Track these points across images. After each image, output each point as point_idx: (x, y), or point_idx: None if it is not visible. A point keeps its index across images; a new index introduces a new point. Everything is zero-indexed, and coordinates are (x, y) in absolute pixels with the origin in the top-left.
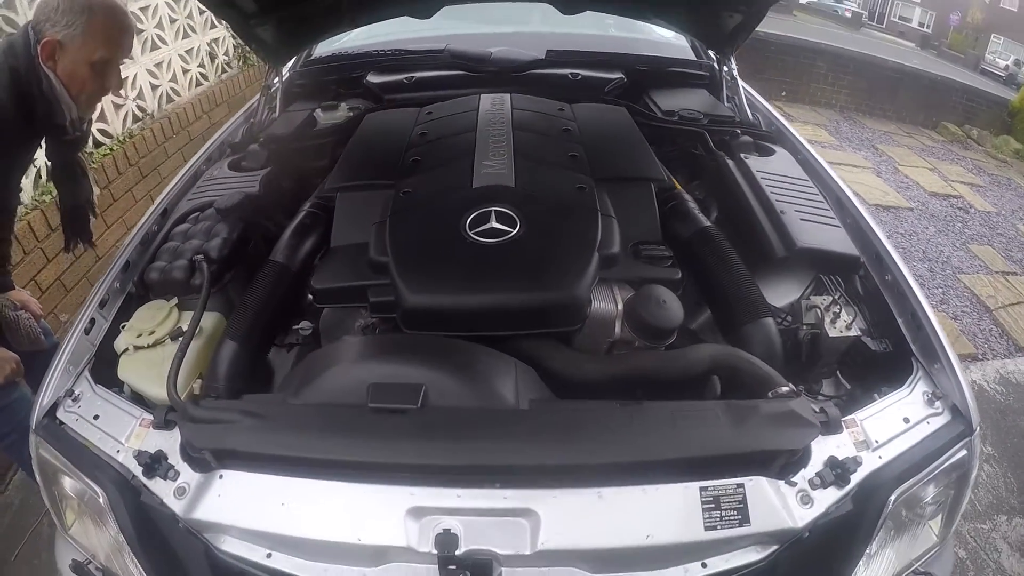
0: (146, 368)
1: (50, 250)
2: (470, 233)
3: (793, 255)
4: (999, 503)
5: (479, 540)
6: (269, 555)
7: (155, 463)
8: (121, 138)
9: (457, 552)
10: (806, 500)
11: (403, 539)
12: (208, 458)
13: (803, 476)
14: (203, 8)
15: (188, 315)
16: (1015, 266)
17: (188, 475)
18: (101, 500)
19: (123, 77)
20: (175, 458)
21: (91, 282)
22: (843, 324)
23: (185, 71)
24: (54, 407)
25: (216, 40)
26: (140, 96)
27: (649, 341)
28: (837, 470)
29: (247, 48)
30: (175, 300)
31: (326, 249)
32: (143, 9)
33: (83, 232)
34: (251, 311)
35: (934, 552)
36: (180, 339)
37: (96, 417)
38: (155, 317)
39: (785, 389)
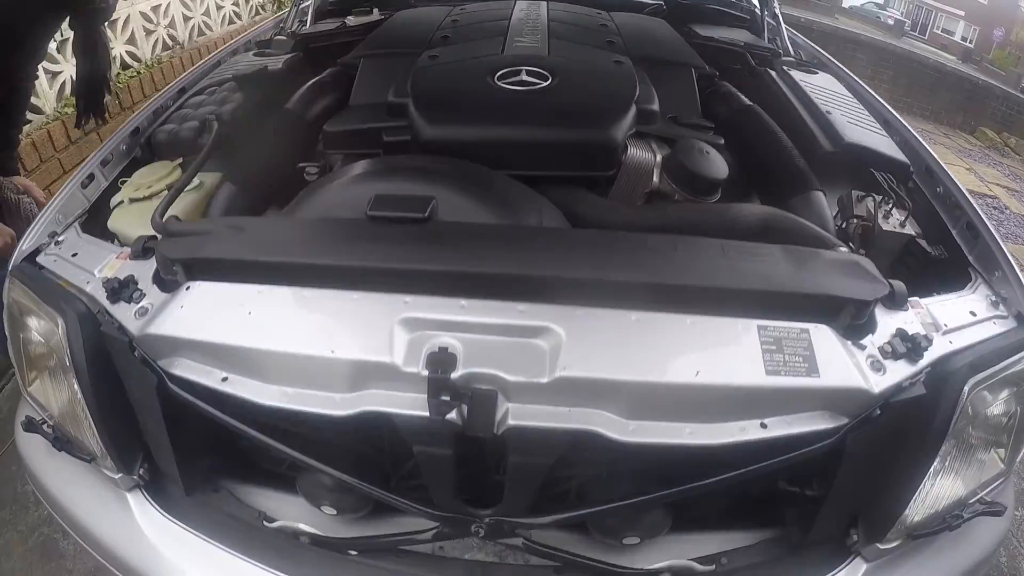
0: (138, 220)
1: (67, 161)
2: (499, 83)
3: (841, 149)
4: None
5: (483, 362)
6: (225, 379)
7: (122, 288)
8: (149, 63)
9: (453, 375)
10: (878, 367)
11: (387, 354)
12: (179, 274)
13: (872, 342)
14: None
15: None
16: None
17: (154, 296)
18: (59, 331)
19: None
20: (145, 283)
21: None
22: (896, 222)
23: (219, 7)
24: (36, 252)
25: None
26: (172, 25)
27: (691, 194)
28: (908, 344)
29: None
30: (180, 160)
31: (344, 109)
32: None
33: (97, 108)
34: (254, 154)
35: (1001, 482)
36: (175, 186)
37: (75, 255)
38: (156, 173)
39: (844, 249)
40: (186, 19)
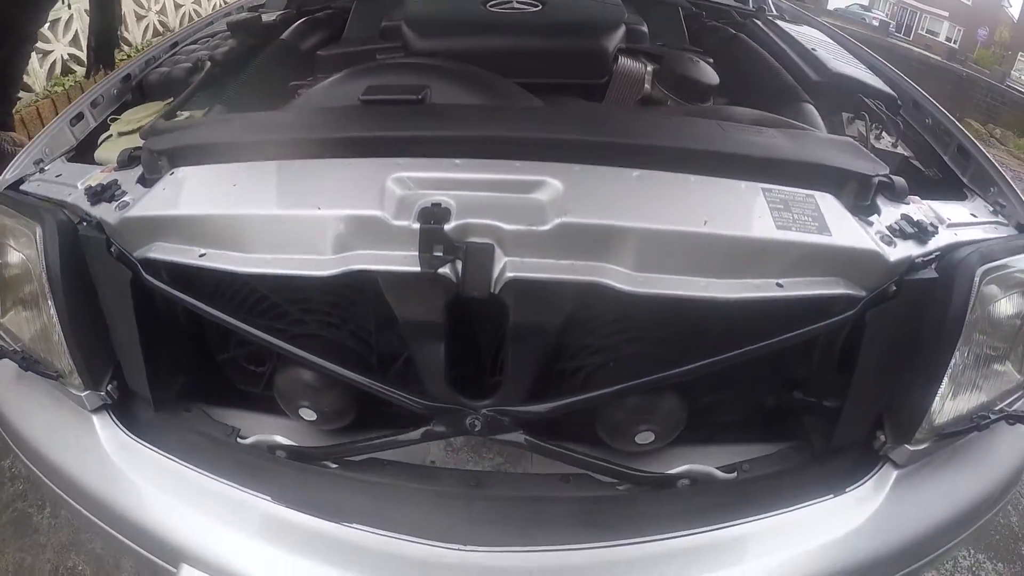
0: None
1: None
2: (490, 9)
3: (827, 79)
4: None
5: (478, 214)
6: (203, 255)
7: (104, 190)
8: (139, 47)
9: (446, 227)
10: (888, 240)
11: (376, 207)
12: (164, 168)
13: (878, 220)
14: None
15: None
16: None
17: (135, 192)
18: (36, 239)
19: None
20: (129, 184)
21: None
22: (888, 143)
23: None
24: (19, 181)
25: None
26: (163, 12)
27: (683, 99)
28: (914, 228)
29: None
30: (171, 100)
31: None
32: None
33: (108, 59)
34: (246, 80)
35: (1021, 394)
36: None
37: (58, 176)
38: (146, 111)
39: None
40: (177, 7)
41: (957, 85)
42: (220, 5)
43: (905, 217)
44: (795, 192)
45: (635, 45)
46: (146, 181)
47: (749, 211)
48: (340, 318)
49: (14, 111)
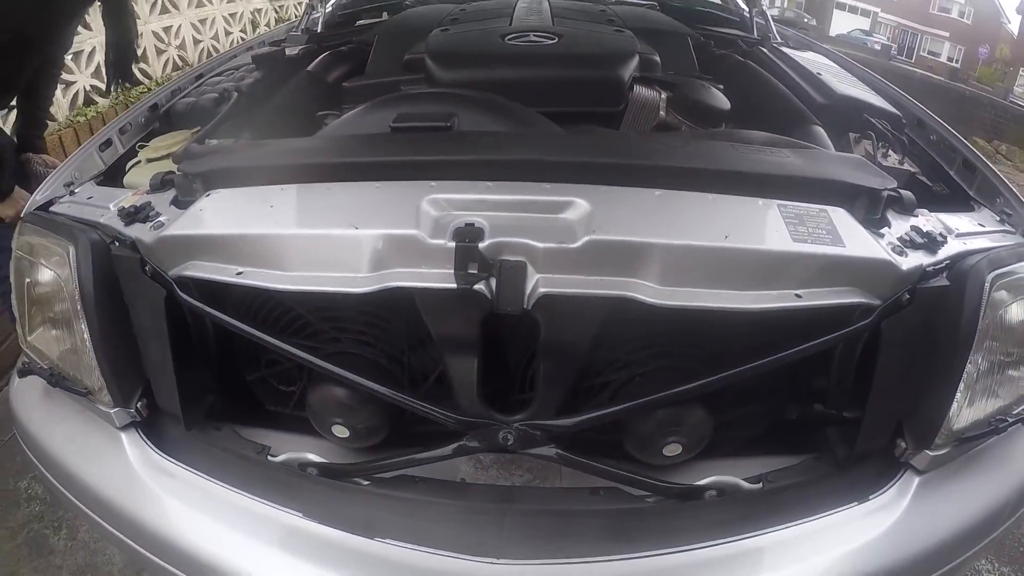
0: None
1: None
2: (508, 41)
3: (834, 102)
4: None
5: (511, 233)
6: (240, 272)
7: (138, 211)
8: (159, 81)
9: (481, 245)
10: (899, 251)
11: (413, 227)
12: (199, 192)
13: (889, 232)
14: None
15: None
16: None
17: (170, 213)
18: (70, 258)
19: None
20: (163, 206)
21: None
22: (895, 160)
23: (227, 32)
24: (49, 203)
25: (259, 10)
26: (182, 46)
27: (697, 124)
28: (924, 238)
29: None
30: (198, 129)
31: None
32: None
33: (126, 73)
34: (273, 108)
35: None
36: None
37: (90, 198)
38: (173, 139)
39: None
40: (196, 42)
41: (960, 104)
42: (238, 41)
43: (915, 228)
44: (808, 207)
45: (649, 74)
46: (180, 203)
47: (767, 225)
48: (374, 336)
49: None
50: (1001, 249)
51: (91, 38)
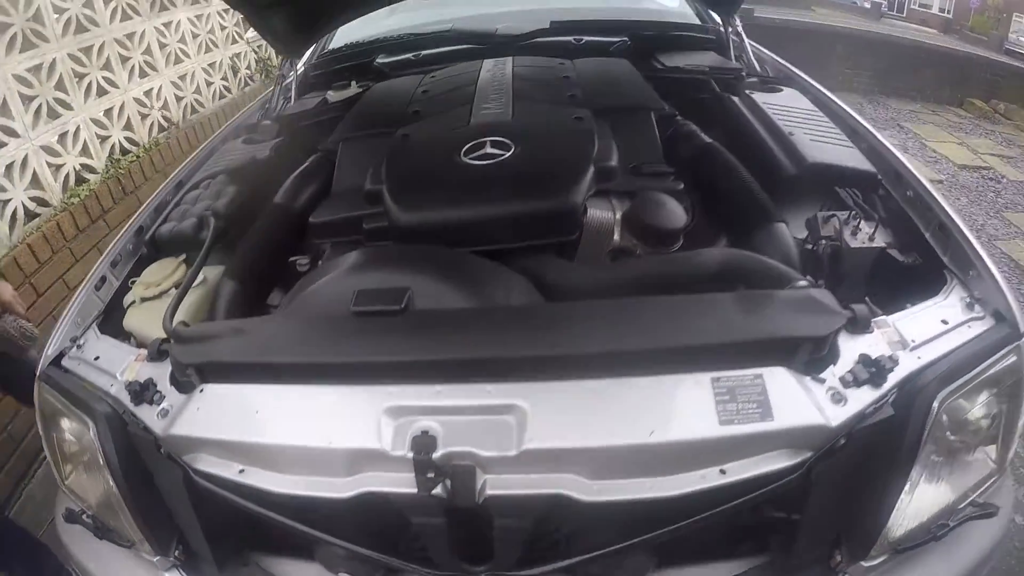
0: (150, 318)
1: (78, 250)
2: (464, 159)
3: (804, 171)
4: None
5: (460, 441)
6: (242, 471)
7: (143, 390)
8: (147, 146)
9: (435, 455)
10: (838, 398)
11: (376, 441)
12: (192, 376)
13: (832, 373)
14: (224, 24)
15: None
16: None
17: (173, 398)
18: (91, 433)
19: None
20: (163, 384)
21: None
22: (864, 236)
23: (209, 83)
24: (60, 356)
25: (238, 55)
26: (165, 107)
27: (652, 246)
28: (871, 368)
29: (266, 62)
30: (183, 257)
31: (327, 197)
32: (166, 24)
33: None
34: (251, 250)
35: (993, 482)
36: (181, 287)
37: (96, 358)
38: (162, 272)
39: (803, 283)
40: (178, 99)
41: (955, 66)
42: (220, 91)
43: (863, 359)
44: (743, 375)
45: (605, 185)
46: (178, 384)
47: (695, 410)
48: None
49: (37, 228)
50: (959, 354)
51: (74, 117)
